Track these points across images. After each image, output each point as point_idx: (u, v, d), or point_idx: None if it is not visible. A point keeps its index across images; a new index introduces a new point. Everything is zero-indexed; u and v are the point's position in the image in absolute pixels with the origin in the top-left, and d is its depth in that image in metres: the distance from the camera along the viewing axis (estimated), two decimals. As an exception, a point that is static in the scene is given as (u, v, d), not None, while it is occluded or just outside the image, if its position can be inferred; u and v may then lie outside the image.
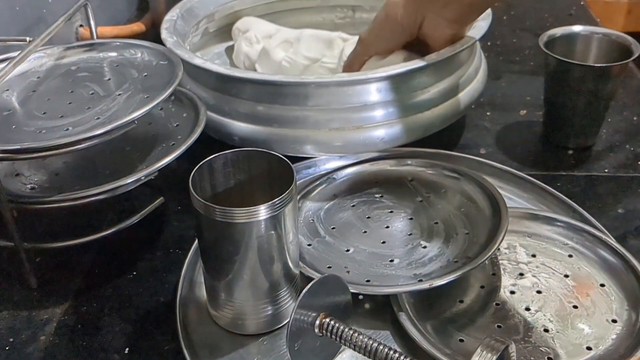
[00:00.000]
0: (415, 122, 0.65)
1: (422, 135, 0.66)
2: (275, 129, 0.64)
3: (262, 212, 0.44)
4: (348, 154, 0.64)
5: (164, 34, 0.71)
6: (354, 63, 0.70)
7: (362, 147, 0.64)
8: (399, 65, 0.63)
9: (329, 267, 0.53)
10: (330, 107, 0.63)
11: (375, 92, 0.63)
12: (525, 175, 0.63)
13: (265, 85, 0.64)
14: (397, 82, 0.63)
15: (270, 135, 0.64)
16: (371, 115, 0.63)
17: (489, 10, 0.70)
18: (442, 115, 0.67)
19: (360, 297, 0.52)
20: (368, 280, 0.51)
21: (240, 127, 0.65)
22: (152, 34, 0.77)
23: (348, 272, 0.52)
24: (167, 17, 0.76)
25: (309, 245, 0.56)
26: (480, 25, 0.68)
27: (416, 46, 0.68)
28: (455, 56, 0.66)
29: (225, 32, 0.86)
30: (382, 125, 0.63)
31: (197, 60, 0.66)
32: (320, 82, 0.62)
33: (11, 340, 0.51)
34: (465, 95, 0.69)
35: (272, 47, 0.77)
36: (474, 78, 0.71)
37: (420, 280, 0.50)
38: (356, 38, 0.74)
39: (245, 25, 0.82)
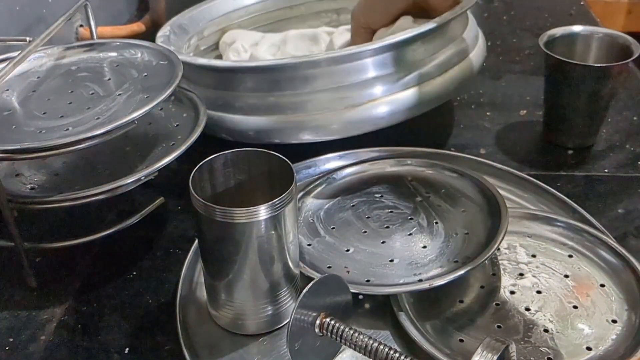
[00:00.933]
0: (416, 96, 0.63)
1: (424, 110, 0.64)
2: (272, 118, 0.63)
3: (262, 212, 0.44)
4: (347, 134, 0.63)
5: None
6: (355, 43, 0.68)
7: (361, 126, 0.62)
8: (392, 36, 0.61)
9: (329, 267, 0.53)
10: (325, 88, 0.62)
11: (370, 67, 0.61)
12: (525, 175, 0.63)
13: (256, 74, 0.63)
14: (392, 55, 0.62)
15: (267, 125, 0.63)
16: (370, 92, 0.62)
17: None
18: (444, 88, 0.65)
19: (360, 297, 0.52)
20: (368, 280, 0.51)
21: (233, 119, 0.64)
22: (152, 34, 0.78)
23: (348, 272, 0.52)
24: (160, 33, 0.76)
25: (309, 245, 0.56)
26: None
27: (414, 14, 0.67)
28: (448, 26, 0.64)
29: (216, 49, 0.85)
30: (380, 103, 0.62)
31: (186, 57, 0.66)
32: (312, 61, 0.61)
33: (11, 340, 0.51)
34: (466, 66, 0.67)
35: (259, 53, 0.78)
36: (474, 47, 0.69)
37: (420, 280, 0.50)
38: (341, 28, 0.73)
39: (231, 37, 0.82)
